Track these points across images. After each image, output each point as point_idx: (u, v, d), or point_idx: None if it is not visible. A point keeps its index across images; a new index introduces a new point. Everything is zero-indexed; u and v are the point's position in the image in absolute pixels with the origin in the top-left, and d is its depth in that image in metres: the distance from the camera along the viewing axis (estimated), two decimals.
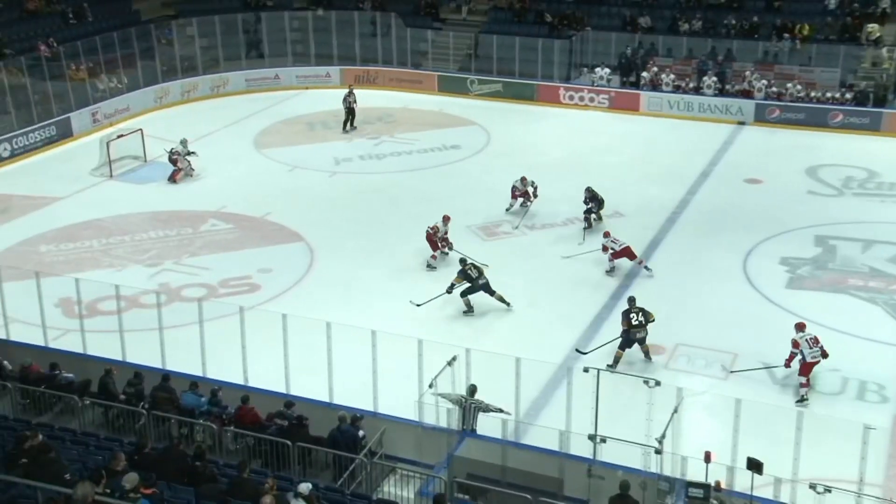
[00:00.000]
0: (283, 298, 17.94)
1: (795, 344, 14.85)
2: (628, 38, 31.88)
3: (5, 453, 10.77)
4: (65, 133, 27.04)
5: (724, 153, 26.54)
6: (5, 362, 14.28)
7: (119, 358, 14.46)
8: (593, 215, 21.03)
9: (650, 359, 15.65)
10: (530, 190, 21.87)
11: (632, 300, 16.05)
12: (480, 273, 17.57)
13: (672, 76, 30.22)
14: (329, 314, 14.44)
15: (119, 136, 25.01)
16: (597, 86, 30.56)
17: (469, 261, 17.87)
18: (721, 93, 29.69)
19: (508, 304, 17.47)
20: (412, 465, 12.63)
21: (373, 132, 28.40)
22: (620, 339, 15.67)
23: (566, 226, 21.39)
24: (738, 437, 11.62)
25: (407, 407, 12.98)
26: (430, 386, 12.73)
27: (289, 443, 12.23)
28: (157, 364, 14.23)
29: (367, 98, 31.66)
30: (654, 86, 30.28)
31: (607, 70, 30.65)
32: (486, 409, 12.79)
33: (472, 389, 12.93)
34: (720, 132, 28.12)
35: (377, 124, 29.21)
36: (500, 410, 12.80)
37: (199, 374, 14.01)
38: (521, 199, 21.95)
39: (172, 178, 23.79)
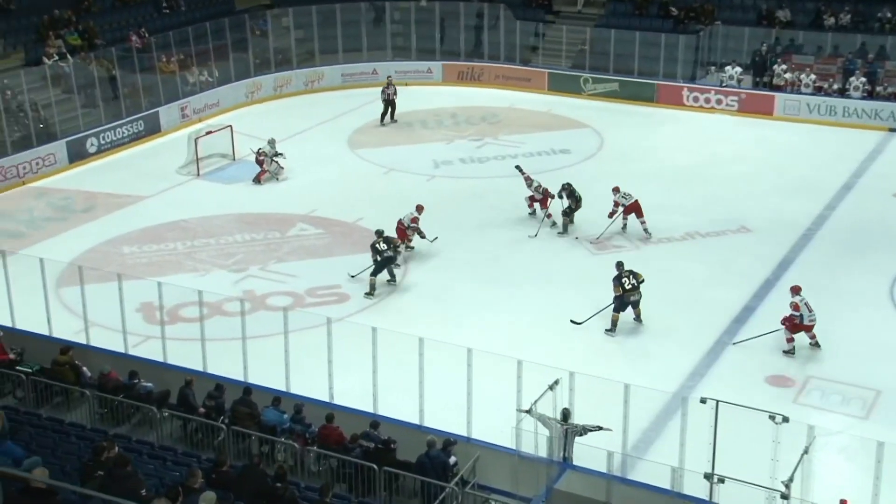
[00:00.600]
0: (373, 310, 18.16)
1: (795, 307, 16.52)
2: (764, 33, 31.19)
3: (81, 464, 11.18)
4: (153, 128, 28.07)
5: (871, 164, 25.67)
6: (84, 368, 14.85)
7: (199, 368, 14.87)
8: (568, 217, 21.02)
9: (641, 321, 17.34)
10: (539, 194, 21.62)
11: (620, 265, 17.43)
12: (391, 245, 18.74)
13: (813, 76, 29.41)
14: (421, 329, 14.53)
15: (207, 133, 25.80)
16: (725, 86, 29.98)
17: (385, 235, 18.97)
18: (870, 95, 28.75)
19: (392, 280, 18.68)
20: (507, 496, 12.60)
21: (475, 133, 28.52)
22: (613, 304, 17.16)
23: (684, 240, 21.04)
24: (881, 486, 11.18)
25: (503, 433, 12.95)
26: (530, 411, 12.67)
27: (375, 467, 12.35)
28: (238, 376, 14.57)
29: (470, 96, 31.91)
30: (791, 87, 29.50)
31: (738, 69, 30.03)
32: (584, 431, 12.64)
33: (566, 414, 12.82)
34: (867, 140, 27.21)
35: (480, 125, 29.32)
36: (600, 428, 12.64)
37: (282, 388, 14.29)
38: (537, 206, 21.85)
39: (257, 179, 24.38)
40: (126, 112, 27.77)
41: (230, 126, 26.42)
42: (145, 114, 28.05)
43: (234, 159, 25.73)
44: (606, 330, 17.20)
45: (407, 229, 20.13)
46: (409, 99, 31.60)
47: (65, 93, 27.25)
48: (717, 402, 11.98)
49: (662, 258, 20.29)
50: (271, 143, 24.93)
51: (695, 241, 21.03)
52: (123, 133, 27.29)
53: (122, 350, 15.53)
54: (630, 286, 17.06)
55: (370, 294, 18.72)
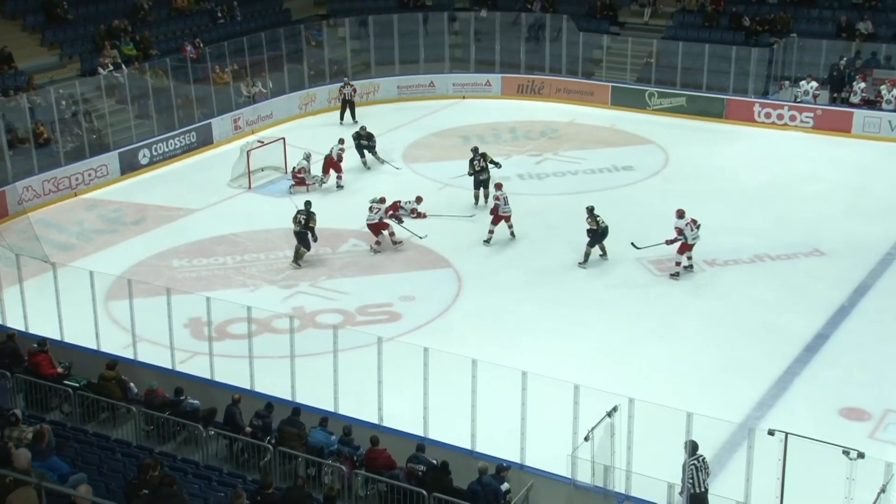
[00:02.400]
0: (426, 330, 18.22)
1: (679, 231, 19.74)
2: (843, 46, 30.78)
3: (126, 482, 11.37)
4: (205, 140, 28.55)
5: None
6: (131, 384, 15.12)
7: (247, 386, 15.04)
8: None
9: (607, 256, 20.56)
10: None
11: (591, 209, 20.48)
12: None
13: (895, 92, 28.90)
14: (475, 350, 14.54)
15: (259, 145, 26.15)
16: (800, 102, 29.59)
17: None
18: None
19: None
20: None
21: (535, 149, 28.53)
22: (589, 238, 20.41)
23: (753, 263, 20.80)
24: None
25: (558, 461, 12.91)
26: (587, 438, 12.61)
27: (424, 492, 12.36)
28: (285, 395, 14.71)
29: (530, 110, 31.94)
30: (872, 103, 29.02)
31: (814, 84, 29.64)
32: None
33: (694, 447, 12.37)
34: None
35: (540, 140, 29.32)
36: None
37: (331, 409, 14.39)
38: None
39: (294, 186, 24.59)
40: (179, 123, 28.30)
41: (283, 138, 26.77)
42: (198, 125, 28.55)
43: (286, 172, 26.03)
44: (580, 263, 20.42)
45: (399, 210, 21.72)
46: (467, 112, 31.77)
47: (119, 103, 27.90)
48: (787, 434, 11.79)
49: (730, 282, 20.07)
50: (307, 157, 25.12)
51: (764, 265, 20.77)
52: (175, 144, 27.80)
53: (169, 366, 15.79)
54: (603, 225, 20.27)
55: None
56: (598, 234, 20.57)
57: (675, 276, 19.99)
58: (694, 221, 19.89)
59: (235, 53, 30.22)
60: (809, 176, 25.98)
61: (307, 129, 30.25)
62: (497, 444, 13.46)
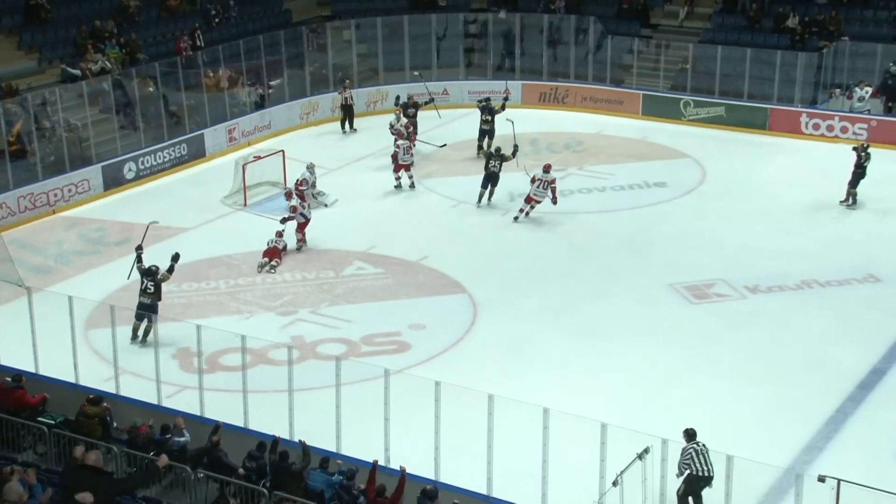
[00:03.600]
0: (438, 362, 18.19)
1: (533, 179, 24.00)
2: None
3: None
4: (197, 153, 28.68)
5: None
6: (114, 423, 15.09)
7: (240, 424, 15.02)
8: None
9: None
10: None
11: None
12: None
13: None
14: (492, 385, 14.52)
15: (256, 158, 26.25)
16: (854, 112, 29.52)
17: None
18: None
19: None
20: None
21: (558, 163, 28.46)
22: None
23: (800, 290, 20.70)
24: None
25: None
26: (615, 483, 12.55)
27: None
28: (283, 433, 14.64)
29: (553, 121, 31.98)
30: None
31: (867, 90, 29.58)
32: None
33: (691, 434, 13.24)
34: None
35: (564, 153, 29.34)
36: None
37: (332, 449, 14.36)
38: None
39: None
40: (168, 134, 28.45)
41: (282, 151, 26.86)
42: (189, 136, 28.69)
43: (285, 188, 26.07)
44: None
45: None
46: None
47: (102, 112, 28.07)
48: (839, 481, 11.71)
49: (774, 311, 19.96)
50: (311, 168, 25.03)
51: (813, 291, 20.66)
52: (164, 157, 27.92)
53: (154, 401, 15.77)
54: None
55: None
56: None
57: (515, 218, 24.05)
58: (549, 185, 23.56)
59: (230, 58, 30.38)
60: (862, 194, 25.86)
61: (308, 140, 30.38)
62: (516, 488, 13.41)
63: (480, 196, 25.20)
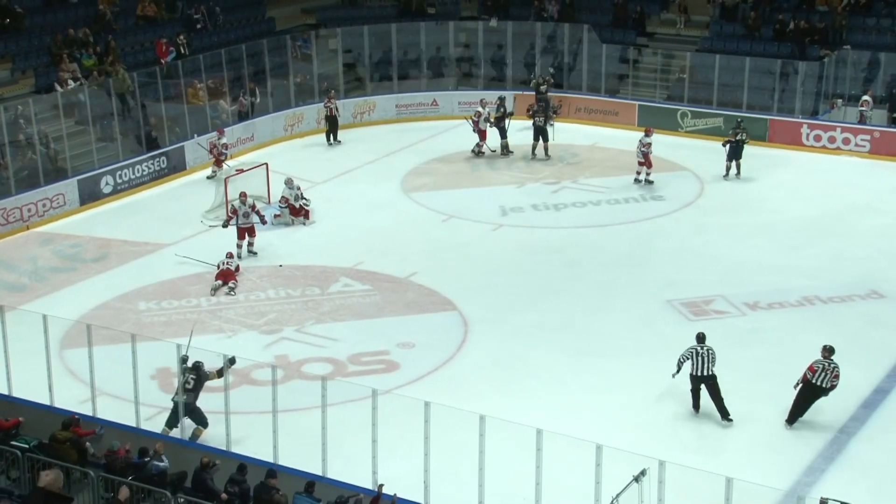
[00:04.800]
0: (427, 382, 18.18)
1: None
2: None
3: None
4: (177, 166, 28.71)
5: None
6: (89, 444, 15.07)
7: (222, 447, 15.01)
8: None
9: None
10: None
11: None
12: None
13: None
14: (484, 405, 14.52)
15: (239, 172, 26.28)
16: (860, 124, 29.61)
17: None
18: None
19: None
20: None
21: (551, 175, 28.64)
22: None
23: (802, 307, 20.78)
24: None
25: None
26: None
27: None
28: (266, 457, 14.67)
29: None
30: None
31: (868, 100, 29.76)
32: None
33: (702, 337, 16.43)
34: None
35: (557, 165, 29.45)
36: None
37: (318, 472, 14.34)
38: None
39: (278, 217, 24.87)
40: (147, 147, 28.45)
41: (265, 164, 26.88)
42: (169, 149, 28.72)
43: (268, 203, 26.12)
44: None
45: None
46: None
47: (78, 124, 28.09)
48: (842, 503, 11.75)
49: (775, 328, 20.03)
50: (289, 182, 25.33)
51: (815, 308, 20.74)
52: (143, 171, 27.95)
53: (133, 424, 15.75)
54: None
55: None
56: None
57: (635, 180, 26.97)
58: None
59: (212, 68, 30.45)
60: (866, 207, 26.01)
61: (293, 152, 30.42)
62: None
63: (533, 148, 29.36)
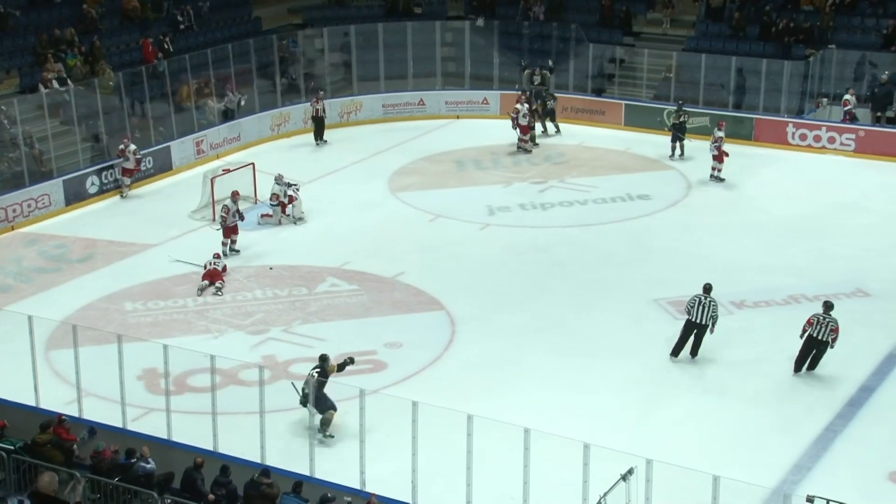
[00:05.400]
0: (415, 381, 18.19)
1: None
2: (890, 58, 31.01)
3: None
4: (163, 166, 28.64)
5: None
6: (74, 447, 15.04)
7: (209, 447, 14.99)
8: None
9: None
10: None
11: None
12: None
13: None
14: (471, 405, 14.52)
15: (225, 171, 26.24)
16: (845, 122, 29.71)
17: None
18: None
19: None
20: None
21: (538, 175, 28.66)
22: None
23: (788, 305, 20.84)
24: None
25: None
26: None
27: None
28: (254, 457, 14.66)
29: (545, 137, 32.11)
30: None
31: (850, 98, 29.83)
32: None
33: (709, 288, 18.05)
34: None
35: (544, 165, 29.47)
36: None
37: (305, 472, 14.33)
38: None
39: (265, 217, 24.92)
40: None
41: (252, 164, 26.85)
42: (155, 149, 28.64)
43: (255, 202, 26.09)
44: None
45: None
46: (461, 134, 31.94)
47: (63, 124, 27.99)
48: (828, 501, 11.77)
49: (762, 327, 20.09)
50: (279, 179, 25.37)
51: (801, 307, 20.75)
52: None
53: (119, 424, 15.71)
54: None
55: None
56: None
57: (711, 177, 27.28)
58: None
59: (198, 68, 30.39)
60: (852, 206, 26.10)
61: (280, 152, 30.37)
62: None
63: (544, 129, 31.04)
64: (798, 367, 18.10)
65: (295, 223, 25.18)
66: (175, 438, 15.35)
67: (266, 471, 13.98)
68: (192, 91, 30.03)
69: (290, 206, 25.22)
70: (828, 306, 17.87)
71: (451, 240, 24.34)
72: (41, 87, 28.02)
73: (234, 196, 23.69)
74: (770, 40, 32.75)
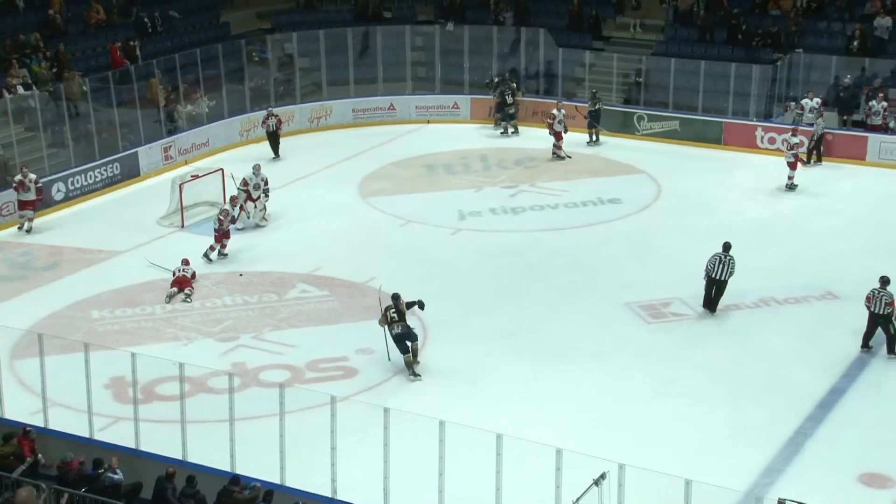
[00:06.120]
0: (386, 388, 18.14)
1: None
2: (857, 63, 31.22)
3: None
4: (131, 172, 28.44)
5: None
6: (40, 456, 14.89)
7: (178, 456, 14.86)
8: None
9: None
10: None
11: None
12: None
13: None
14: (443, 410, 14.47)
15: (194, 177, 26.09)
16: (798, 125, 29.85)
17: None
18: None
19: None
20: None
21: (509, 179, 28.67)
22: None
23: (757, 308, 20.93)
24: None
25: None
26: None
27: None
28: (224, 466, 14.54)
29: (503, 137, 32.11)
30: (886, 127, 29.44)
31: (817, 100, 29.97)
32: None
33: (728, 246, 19.75)
34: None
35: (515, 169, 29.48)
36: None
37: (276, 481, 14.24)
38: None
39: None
40: (100, 153, 28.17)
41: (221, 169, 26.69)
42: (122, 154, 28.45)
43: (246, 204, 25.88)
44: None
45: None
46: (432, 138, 31.92)
47: (28, 130, 27.73)
48: None
49: (732, 330, 20.17)
50: (256, 169, 25.25)
51: (770, 310, 20.89)
52: (96, 177, 27.65)
53: (86, 434, 15.55)
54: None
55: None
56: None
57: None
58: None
59: (166, 73, 30.23)
60: (820, 209, 26.26)
61: (249, 158, 30.10)
62: None
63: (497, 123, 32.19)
64: (865, 342, 19.21)
65: (259, 224, 25.07)
66: (143, 448, 15.21)
67: (236, 478, 13.89)
68: (159, 87, 29.77)
69: (251, 204, 25.01)
70: (884, 281, 18.84)
71: (422, 245, 24.30)
72: (5, 93, 27.74)
73: (234, 201, 23.77)
74: (738, 44, 32.90)
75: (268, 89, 32.77)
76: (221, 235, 23.29)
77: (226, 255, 23.46)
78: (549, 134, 29.90)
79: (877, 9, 32.04)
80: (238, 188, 25.17)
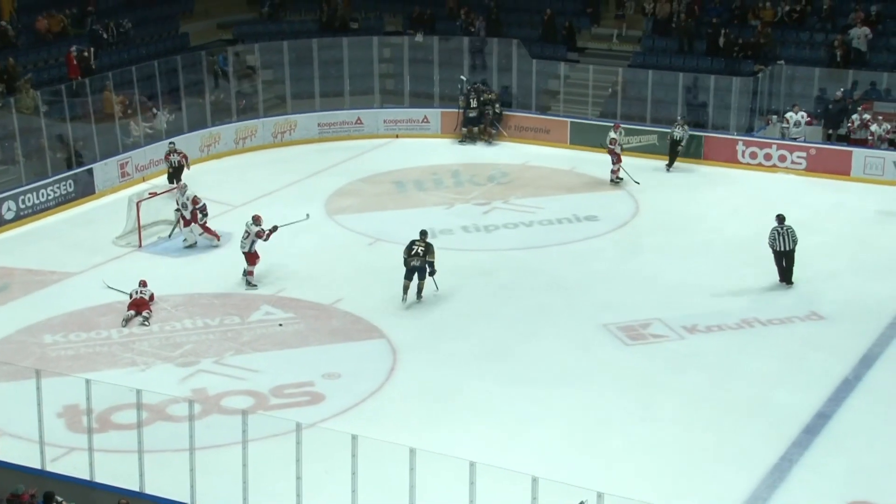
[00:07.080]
0: (354, 414, 18.08)
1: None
2: (838, 74, 31.52)
3: None
4: (85, 190, 28.29)
5: None
6: None
7: (135, 488, 14.74)
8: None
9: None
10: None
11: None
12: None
13: None
14: (414, 437, 14.48)
15: (152, 195, 25.98)
16: (788, 139, 30.13)
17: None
18: None
19: None
20: None
21: (481, 196, 28.72)
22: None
23: (740, 329, 21.02)
24: None
25: None
26: None
27: None
28: (183, 497, 14.44)
29: (475, 151, 32.21)
30: (873, 141, 29.70)
31: (802, 114, 30.25)
32: None
33: (782, 218, 21.99)
34: None
35: (487, 186, 29.53)
36: None
37: None
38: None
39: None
40: (52, 169, 28.02)
41: (182, 186, 26.55)
42: (77, 171, 28.30)
43: (183, 228, 25.82)
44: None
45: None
46: (401, 153, 31.94)
47: None
48: None
49: (714, 352, 20.24)
50: (182, 189, 25.07)
51: (753, 331, 20.98)
52: (49, 195, 27.49)
53: (38, 466, 15.40)
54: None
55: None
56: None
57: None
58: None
59: (123, 85, 30.10)
60: (803, 226, 26.18)
61: (210, 174, 30.09)
62: None
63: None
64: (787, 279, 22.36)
65: (212, 243, 25.06)
66: (98, 479, 15.08)
67: None
68: (115, 99, 29.63)
69: (194, 225, 24.91)
70: (780, 219, 22.28)
71: (391, 264, 24.16)
72: None
73: (257, 220, 23.03)
74: (718, 56, 33.11)
75: (229, 102, 32.71)
76: (252, 256, 23.00)
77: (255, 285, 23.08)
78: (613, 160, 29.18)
79: (859, 19, 32.35)
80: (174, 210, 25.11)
